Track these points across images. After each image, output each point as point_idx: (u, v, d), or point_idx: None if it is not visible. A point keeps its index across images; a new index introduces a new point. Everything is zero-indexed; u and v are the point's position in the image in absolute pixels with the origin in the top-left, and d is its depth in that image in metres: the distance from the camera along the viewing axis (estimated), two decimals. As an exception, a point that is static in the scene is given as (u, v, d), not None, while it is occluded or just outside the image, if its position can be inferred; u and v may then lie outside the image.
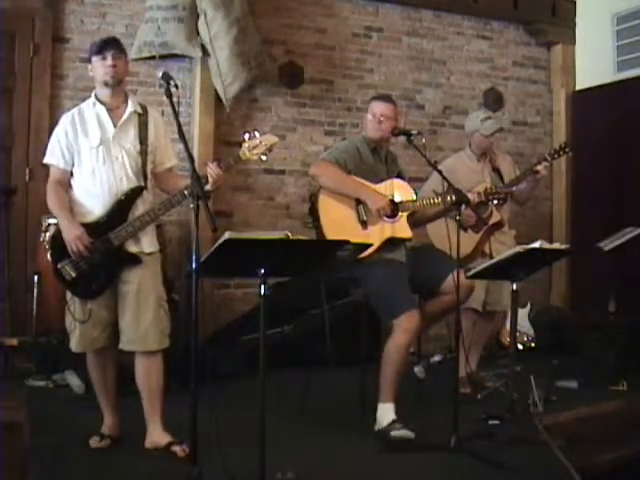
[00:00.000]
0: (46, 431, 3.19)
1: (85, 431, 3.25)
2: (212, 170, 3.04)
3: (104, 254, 3.08)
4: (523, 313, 5.51)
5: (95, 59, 3.17)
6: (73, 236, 3.05)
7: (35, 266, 4.47)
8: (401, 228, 3.63)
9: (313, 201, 3.69)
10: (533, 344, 5.49)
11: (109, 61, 3.14)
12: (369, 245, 3.54)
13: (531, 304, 5.63)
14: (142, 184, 3.18)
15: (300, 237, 2.75)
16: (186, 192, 3.00)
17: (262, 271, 2.59)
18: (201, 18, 4.90)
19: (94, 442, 3.19)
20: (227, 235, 2.50)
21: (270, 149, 3.15)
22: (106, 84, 3.18)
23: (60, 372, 4.16)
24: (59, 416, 3.59)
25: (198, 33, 4.93)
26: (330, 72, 5.69)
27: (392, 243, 3.61)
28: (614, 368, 4.57)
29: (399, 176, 3.82)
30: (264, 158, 3.15)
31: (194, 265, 2.65)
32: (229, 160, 3.16)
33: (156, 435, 3.16)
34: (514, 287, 3.42)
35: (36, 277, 4.38)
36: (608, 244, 4.62)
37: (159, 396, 3.18)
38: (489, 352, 4.87)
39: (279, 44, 5.50)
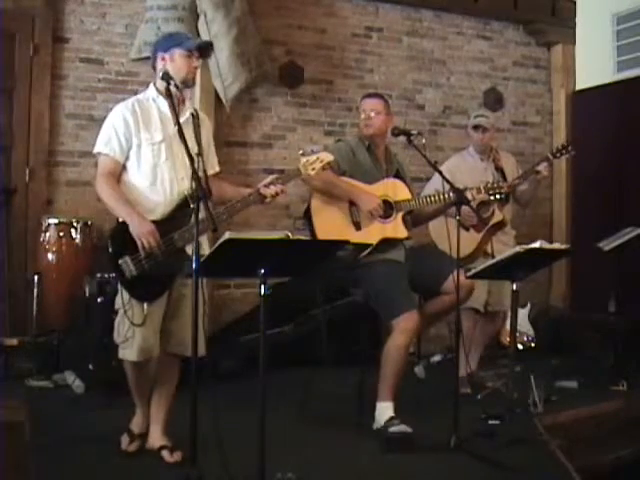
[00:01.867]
0: (46, 431, 3.19)
1: (85, 431, 3.26)
2: (270, 191, 3.06)
3: (166, 254, 2.92)
4: (523, 313, 5.51)
5: (180, 53, 3.03)
6: (145, 231, 2.87)
7: (35, 266, 4.47)
8: (396, 228, 3.62)
9: (307, 204, 3.70)
10: (533, 344, 5.49)
11: (195, 62, 3.05)
12: (369, 245, 3.55)
13: (531, 304, 5.63)
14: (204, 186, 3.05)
15: (300, 237, 2.75)
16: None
17: (262, 271, 2.59)
18: (201, 18, 4.89)
19: (124, 443, 3.15)
20: (227, 235, 2.50)
21: (324, 167, 3.19)
22: (184, 82, 3.04)
23: (60, 372, 4.16)
24: (59, 416, 3.58)
25: (198, 33, 4.92)
26: (330, 72, 5.69)
27: (389, 243, 3.61)
28: (614, 368, 4.57)
29: (397, 174, 3.82)
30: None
31: (194, 265, 2.65)
32: (289, 172, 3.18)
33: (153, 437, 3.16)
34: (514, 287, 3.41)
35: (36, 277, 4.38)
36: (608, 244, 4.62)
37: (169, 400, 3.16)
38: (489, 352, 4.87)
39: (279, 44, 5.50)
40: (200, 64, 3.12)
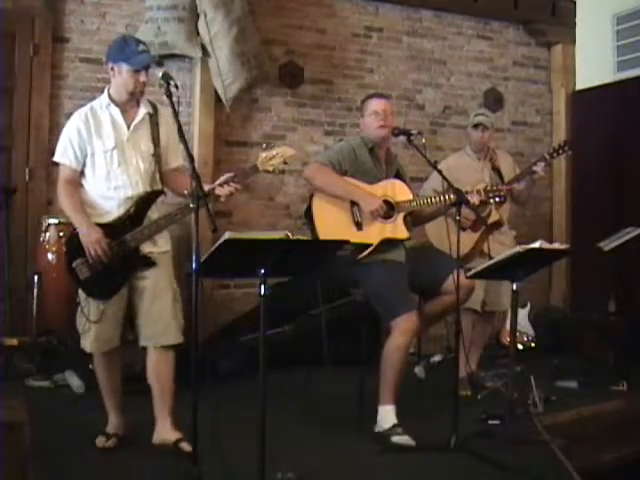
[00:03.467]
0: (46, 431, 3.19)
1: (85, 431, 3.25)
2: (225, 191, 3.06)
3: (120, 255, 3.05)
4: (523, 313, 5.51)
5: (126, 68, 3.06)
6: (92, 239, 3.01)
7: (35, 266, 4.47)
8: (397, 229, 3.62)
9: (308, 203, 3.70)
10: (533, 344, 5.49)
11: (143, 77, 3.07)
12: (369, 245, 3.55)
13: (531, 304, 5.63)
14: (159, 187, 3.17)
15: (300, 237, 2.75)
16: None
17: (262, 271, 2.59)
18: (201, 18, 4.89)
19: (100, 442, 3.18)
20: (227, 235, 2.50)
21: (286, 161, 3.17)
22: (132, 94, 3.11)
23: (60, 372, 4.15)
24: (59, 416, 3.59)
25: (198, 33, 4.93)
26: (330, 72, 5.68)
27: (390, 244, 3.61)
28: (614, 368, 4.58)
29: (397, 175, 3.82)
30: (281, 168, 3.18)
31: (194, 265, 2.65)
32: (246, 169, 3.18)
33: (165, 432, 3.15)
34: (514, 287, 3.41)
35: (36, 277, 4.38)
36: (608, 244, 4.62)
37: (170, 392, 3.18)
38: (489, 352, 4.87)
39: (279, 44, 5.50)
40: (147, 78, 3.10)
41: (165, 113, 3.24)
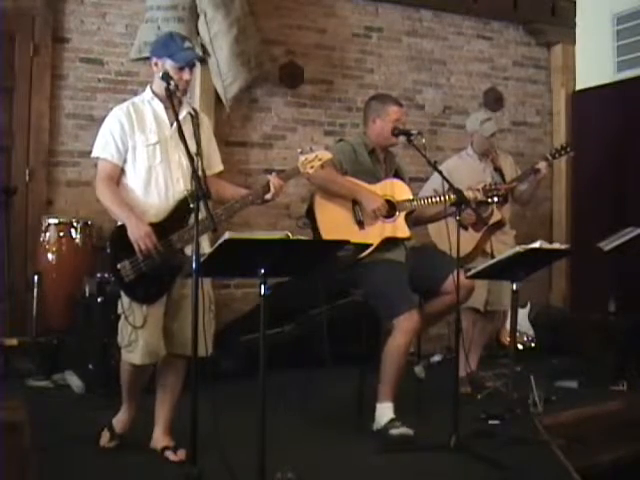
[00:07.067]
0: (46, 431, 3.18)
1: (85, 431, 3.25)
2: (275, 180, 3.05)
3: (165, 256, 2.92)
4: (523, 313, 5.51)
5: (171, 64, 2.98)
6: (142, 233, 2.87)
7: (35, 266, 4.47)
8: (399, 228, 3.63)
9: (310, 202, 3.70)
10: (533, 344, 5.49)
11: (187, 75, 3.01)
12: (369, 245, 3.55)
13: (531, 304, 5.64)
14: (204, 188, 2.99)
15: (300, 237, 2.75)
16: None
17: (262, 271, 2.59)
18: (201, 18, 4.89)
19: (104, 439, 3.17)
20: (227, 235, 2.50)
21: (323, 165, 3.18)
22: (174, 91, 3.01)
23: (60, 372, 4.15)
24: (59, 416, 3.58)
25: (198, 33, 4.92)
26: (330, 72, 5.69)
27: (391, 243, 3.62)
28: (614, 368, 4.57)
29: (397, 175, 3.82)
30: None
31: (194, 265, 2.65)
32: (287, 171, 3.18)
33: (156, 438, 3.16)
34: (514, 287, 3.41)
35: (36, 277, 4.38)
36: (608, 244, 4.62)
37: (174, 401, 3.16)
38: (489, 352, 4.87)
39: (279, 44, 5.50)
40: (192, 76, 3.08)
41: (204, 118, 3.22)
